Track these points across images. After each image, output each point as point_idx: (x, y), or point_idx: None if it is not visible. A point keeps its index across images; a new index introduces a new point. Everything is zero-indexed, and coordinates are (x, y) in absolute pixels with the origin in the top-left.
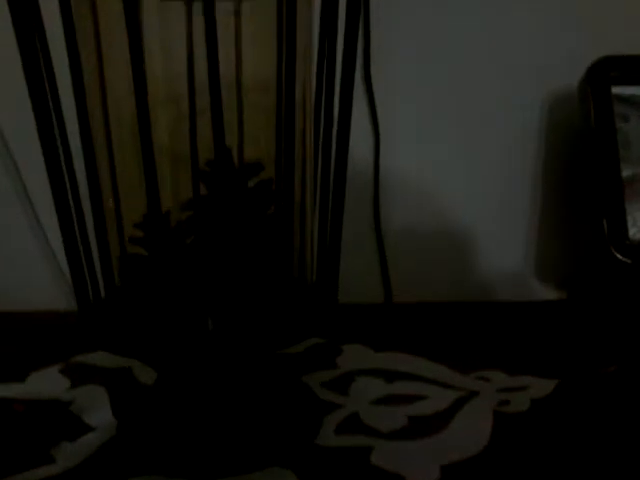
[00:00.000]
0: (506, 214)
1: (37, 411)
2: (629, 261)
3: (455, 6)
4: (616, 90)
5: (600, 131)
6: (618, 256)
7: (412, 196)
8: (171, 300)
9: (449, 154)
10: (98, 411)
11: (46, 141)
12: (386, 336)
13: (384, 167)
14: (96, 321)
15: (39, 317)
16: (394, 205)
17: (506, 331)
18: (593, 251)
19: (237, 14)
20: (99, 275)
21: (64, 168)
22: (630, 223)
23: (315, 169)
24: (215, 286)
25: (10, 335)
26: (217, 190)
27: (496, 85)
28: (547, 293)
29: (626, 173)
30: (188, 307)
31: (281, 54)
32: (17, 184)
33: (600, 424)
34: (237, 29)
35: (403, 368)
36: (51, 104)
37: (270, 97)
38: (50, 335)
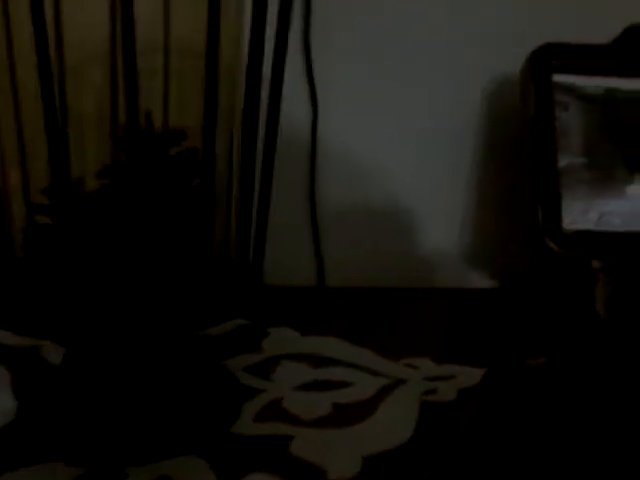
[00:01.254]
0: (443, 200)
1: None
2: (563, 251)
3: None
4: (557, 78)
5: (539, 119)
6: (552, 246)
7: (348, 175)
8: (77, 275)
9: (388, 133)
10: None
11: None
12: (317, 320)
13: (321, 143)
14: None
15: None
16: (330, 184)
17: (439, 318)
18: (528, 240)
19: None
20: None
21: None
22: (565, 213)
23: (242, 140)
24: (128, 261)
25: None
26: (135, 157)
27: (440, 65)
28: (482, 281)
29: (563, 162)
30: (97, 284)
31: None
32: None
33: (526, 416)
34: None
35: (330, 353)
36: None
37: (199, 62)
38: None
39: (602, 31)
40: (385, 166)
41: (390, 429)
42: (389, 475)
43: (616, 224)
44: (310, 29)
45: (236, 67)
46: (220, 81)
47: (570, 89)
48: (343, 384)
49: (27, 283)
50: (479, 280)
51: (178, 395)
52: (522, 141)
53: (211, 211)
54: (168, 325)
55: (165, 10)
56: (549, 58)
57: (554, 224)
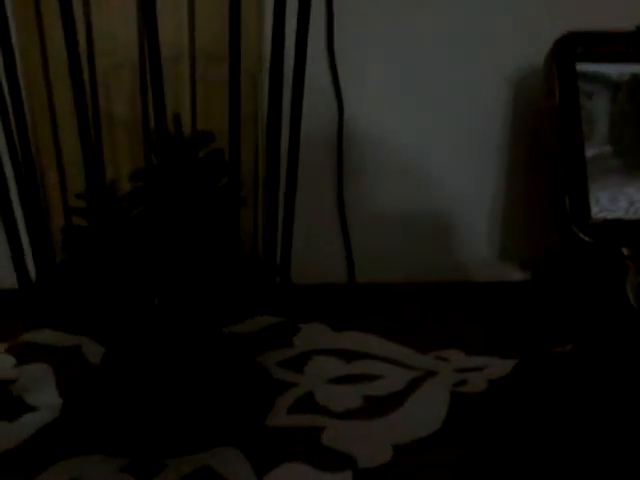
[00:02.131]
0: (473, 194)
1: None
2: (591, 240)
3: None
4: (581, 67)
5: (564, 108)
6: (580, 235)
7: (376, 172)
8: (114, 275)
9: (414, 131)
10: (43, 390)
11: None
12: (348, 316)
13: (348, 142)
14: (36, 298)
15: None
16: (358, 182)
17: (470, 312)
18: (557, 231)
19: None
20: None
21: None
22: (593, 202)
23: (267, 140)
24: (162, 260)
25: None
26: (166, 160)
27: (463, 59)
28: (513, 274)
29: (590, 152)
30: (133, 282)
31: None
32: None
33: (555, 403)
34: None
35: (361, 348)
36: None
37: (223, 67)
38: None
39: (623, 18)
40: (413, 162)
41: (420, 419)
42: (419, 464)
43: None
44: (333, 30)
45: (259, 70)
46: (243, 84)
47: (594, 77)
48: (374, 377)
49: (67, 283)
50: (510, 273)
51: (214, 389)
52: (546, 131)
53: (237, 210)
54: (201, 322)
55: (190, 16)
56: (572, 47)
57: (582, 214)
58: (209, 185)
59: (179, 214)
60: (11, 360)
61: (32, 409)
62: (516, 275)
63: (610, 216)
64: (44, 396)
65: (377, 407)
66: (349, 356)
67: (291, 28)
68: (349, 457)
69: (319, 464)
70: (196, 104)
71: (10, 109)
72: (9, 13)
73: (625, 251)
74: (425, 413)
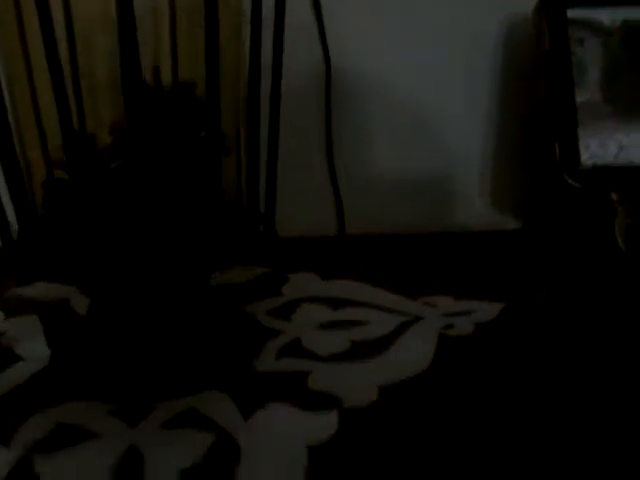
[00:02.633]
0: (462, 142)
1: None
2: (581, 186)
3: None
4: (572, 13)
5: (554, 55)
6: (570, 181)
7: (367, 125)
8: (95, 226)
9: (404, 81)
10: (31, 341)
11: None
12: (338, 266)
13: (337, 93)
14: (19, 254)
15: None
16: (346, 134)
17: (461, 260)
18: (547, 177)
19: None
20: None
21: None
22: (583, 148)
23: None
24: (144, 210)
25: None
26: (143, 112)
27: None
28: (505, 223)
29: (580, 98)
30: (115, 233)
31: None
32: None
33: (538, 345)
34: None
35: (350, 295)
36: None
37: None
38: None
39: None
40: (403, 113)
41: (406, 361)
42: (405, 403)
43: (636, 157)
44: None
45: (240, 22)
46: (224, 36)
47: (585, 23)
48: (362, 323)
49: (49, 236)
50: (504, 222)
51: (201, 336)
52: (537, 78)
53: (219, 159)
54: (185, 269)
55: None
56: None
57: (572, 160)
58: (190, 135)
59: (158, 164)
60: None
61: (20, 359)
62: (509, 224)
63: (600, 162)
64: (32, 346)
65: (364, 351)
66: (337, 303)
67: None
68: (335, 398)
69: (305, 405)
70: (177, 56)
71: None
72: None
73: (614, 196)
74: (411, 355)
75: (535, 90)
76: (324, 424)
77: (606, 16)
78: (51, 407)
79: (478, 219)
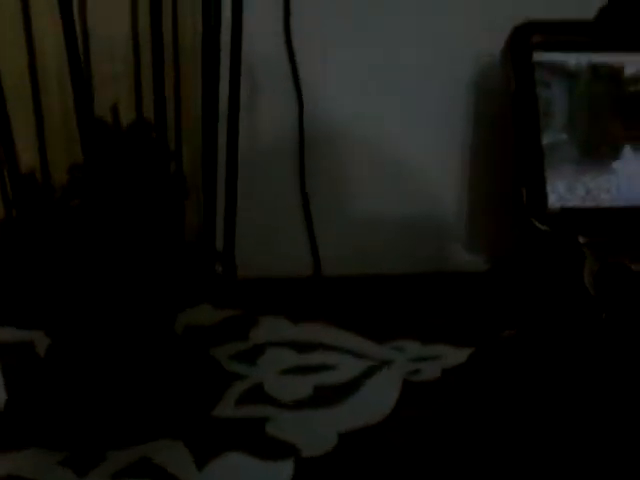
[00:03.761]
0: (437, 187)
1: None
2: (548, 229)
3: None
4: (538, 56)
5: (521, 97)
6: (537, 224)
7: (338, 164)
8: (50, 267)
9: (378, 121)
10: None
11: None
12: (308, 309)
13: (309, 133)
14: None
15: None
16: (320, 174)
17: (429, 303)
18: (514, 220)
19: None
20: None
21: None
22: (550, 192)
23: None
24: (102, 251)
25: None
26: (102, 151)
27: (424, 46)
28: (477, 265)
29: (547, 140)
30: (71, 273)
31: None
32: None
33: (504, 386)
34: None
35: (317, 339)
36: None
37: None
38: None
39: (582, 8)
40: (377, 155)
41: (368, 408)
42: (364, 451)
43: (603, 200)
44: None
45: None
46: (184, 74)
47: (552, 67)
48: (327, 367)
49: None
50: (475, 264)
51: (158, 381)
52: (506, 121)
53: (179, 201)
54: (145, 313)
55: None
56: (529, 35)
57: (539, 203)
58: (148, 174)
59: (116, 203)
60: None
61: None
62: (481, 266)
63: (567, 204)
64: None
65: (326, 396)
66: (304, 347)
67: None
68: (292, 446)
69: (261, 453)
70: (142, 95)
71: None
72: None
73: (582, 239)
74: (374, 401)
75: (504, 134)
76: (279, 473)
77: (572, 60)
78: (1, 455)
79: (451, 261)
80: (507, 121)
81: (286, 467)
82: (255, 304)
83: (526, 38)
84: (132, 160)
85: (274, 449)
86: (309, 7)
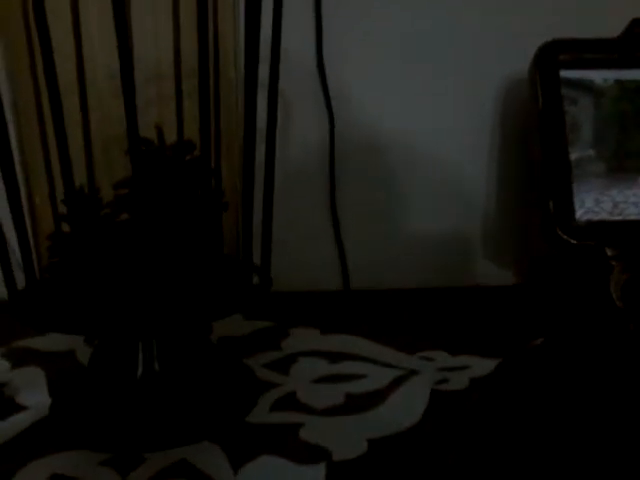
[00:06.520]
0: (461, 203)
1: None
2: (576, 242)
3: None
4: (564, 74)
5: (548, 114)
6: (565, 237)
7: (367, 179)
8: (100, 277)
9: (407, 137)
10: (34, 391)
11: None
12: (338, 321)
13: (340, 152)
14: (25, 306)
15: None
16: (350, 189)
17: (462, 315)
18: (542, 233)
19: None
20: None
21: None
22: (577, 204)
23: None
24: (145, 262)
25: None
26: (147, 168)
27: (452, 65)
28: (505, 279)
29: (574, 155)
30: (117, 285)
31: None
32: None
33: (529, 397)
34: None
35: (347, 349)
36: None
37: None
38: None
39: (605, 26)
40: (403, 169)
41: (398, 415)
42: (393, 457)
43: (630, 213)
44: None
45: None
46: (224, 94)
47: (578, 84)
48: (357, 376)
49: (55, 287)
50: (504, 277)
51: (196, 388)
52: (534, 137)
53: (218, 215)
54: (184, 320)
55: (175, 32)
56: (556, 54)
57: (566, 216)
58: (190, 191)
59: (161, 221)
60: (5, 365)
61: (22, 408)
62: (509, 279)
63: (594, 218)
64: (34, 396)
65: (357, 404)
66: (335, 357)
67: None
68: (324, 450)
69: (295, 457)
70: (182, 116)
71: None
72: None
73: (609, 252)
74: (403, 409)
75: (532, 150)
76: (312, 476)
77: (599, 76)
78: (46, 456)
79: (480, 274)
80: (535, 137)
81: (318, 470)
82: (285, 316)
83: (553, 56)
84: (176, 177)
85: (307, 453)
86: (340, 28)
